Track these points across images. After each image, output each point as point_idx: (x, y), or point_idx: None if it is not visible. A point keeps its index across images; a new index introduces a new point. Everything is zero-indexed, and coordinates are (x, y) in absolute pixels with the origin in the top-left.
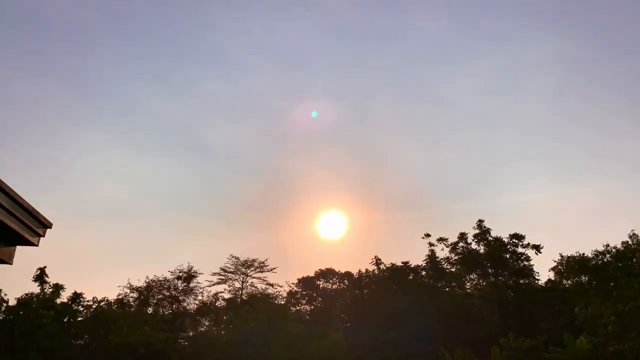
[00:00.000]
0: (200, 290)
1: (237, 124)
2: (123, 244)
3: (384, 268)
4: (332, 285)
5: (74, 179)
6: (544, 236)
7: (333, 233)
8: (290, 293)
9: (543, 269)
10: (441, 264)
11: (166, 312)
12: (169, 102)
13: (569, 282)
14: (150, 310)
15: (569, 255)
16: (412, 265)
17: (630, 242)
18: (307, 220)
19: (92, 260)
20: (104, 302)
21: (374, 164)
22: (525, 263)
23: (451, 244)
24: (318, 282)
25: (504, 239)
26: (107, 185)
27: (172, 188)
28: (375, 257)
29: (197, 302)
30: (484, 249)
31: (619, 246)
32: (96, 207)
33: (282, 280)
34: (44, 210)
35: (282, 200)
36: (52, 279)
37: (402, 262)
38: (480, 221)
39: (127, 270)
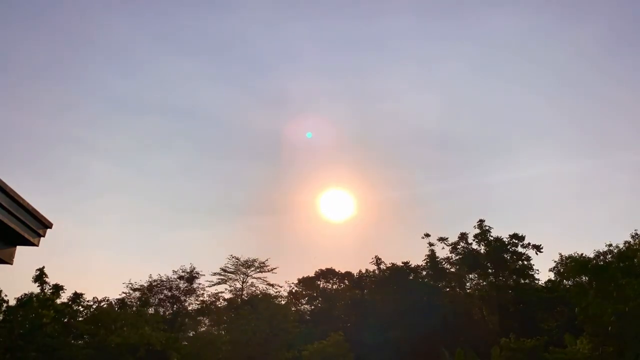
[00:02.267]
0: (202, 290)
1: (235, 87)
2: (117, 229)
3: (384, 268)
4: (332, 285)
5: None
6: (548, 214)
7: (339, 214)
8: (290, 293)
9: (543, 269)
10: (441, 264)
11: (167, 312)
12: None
13: (569, 282)
14: (151, 310)
15: (569, 255)
16: (413, 265)
17: (632, 242)
18: (310, 202)
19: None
20: (104, 302)
21: (379, 142)
22: (526, 263)
23: (451, 244)
24: (318, 282)
25: (504, 239)
26: (96, 161)
27: (168, 173)
28: (376, 257)
29: (198, 302)
30: (485, 249)
31: (621, 246)
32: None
33: (285, 271)
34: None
35: (285, 181)
36: (50, 273)
37: (403, 262)
38: (481, 221)
39: (124, 257)
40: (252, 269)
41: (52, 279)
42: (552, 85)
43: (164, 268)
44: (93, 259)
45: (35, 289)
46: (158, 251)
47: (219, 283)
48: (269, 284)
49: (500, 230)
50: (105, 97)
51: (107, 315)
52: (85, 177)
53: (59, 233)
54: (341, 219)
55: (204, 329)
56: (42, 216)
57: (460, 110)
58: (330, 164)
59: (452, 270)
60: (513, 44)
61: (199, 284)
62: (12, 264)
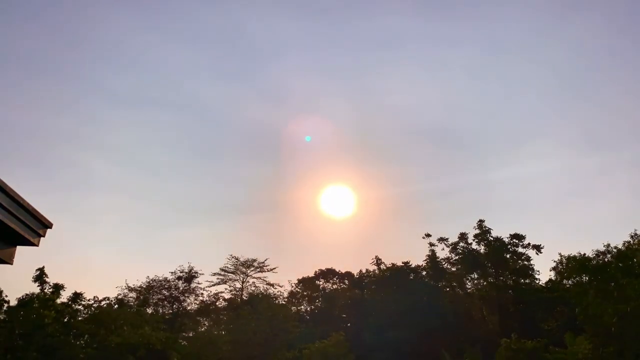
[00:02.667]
0: (201, 290)
1: (234, 84)
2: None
3: (385, 268)
4: (332, 285)
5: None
6: (547, 210)
7: (340, 211)
8: (291, 293)
9: (544, 269)
10: (442, 264)
11: (166, 312)
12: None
13: (570, 282)
14: (150, 310)
15: (569, 255)
16: (413, 265)
17: (631, 242)
18: (311, 199)
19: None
20: (104, 302)
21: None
22: (526, 263)
23: (452, 244)
24: (318, 282)
25: (504, 239)
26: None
27: (167, 170)
28: (376, 257)
29: (197, 302)
30: (485, 249)
31: (620, 246)
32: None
33: (285, 268)
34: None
35: (285, 178)
36: (49, 272)
37: (403, 262)
38: (481, 221)
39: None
40: (252, 268)
41: (51, 279)
42: (552, 83)
43: (165, 267)
44: (92, 258)
45: (35, 288)
46: (158, 250)
47: (218, 283)
48: (269, 284)
49: (502, 227)
50: (104, 93)
51: (107, 315)
52: (85, 176)
53: (59, 232)
54: (342, 216)
55: (204, 329)
56: (42, 216)
57: (461, 108)
58: (331, 161)
59: (452, 270)
60: (513, 43)
61: (198, 284)
62: (12, 264)
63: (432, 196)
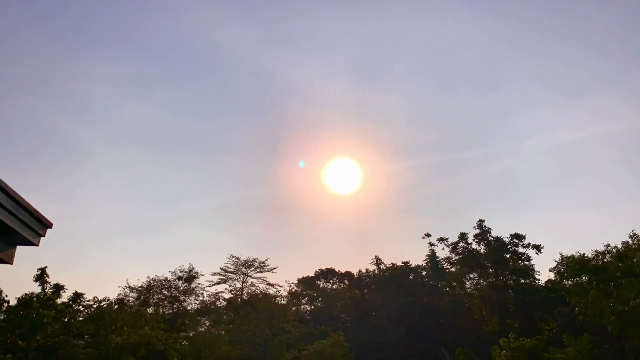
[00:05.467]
0: (202, 290)
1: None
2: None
3: (385, 268)
4: (332, 285)
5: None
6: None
7: (344, 186)
8: (291, 293)
9: (544, 269)
10: (442, 264)
11: (167, 312)
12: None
13: (570, 282)
14: (151, 310)
15: (569, 255)
16: (413, 266)
17: (630, 242)
18: (316, 171)
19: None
20: (104, 302)
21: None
22: (526, 263)
23: (452, 244)
24: (318, 283)
25: (504, 239)
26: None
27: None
28: (376, 257)
29: (197, 302)
30: (485, 249)
31: (619, 246)
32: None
33: (287, 260)
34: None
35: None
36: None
37: (403, 262)
38: (481, 221)
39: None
40: (253, 269)
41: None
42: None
43: (166, 265)
44: (91, 257)
45: (36, 289)
46: (159, 248)
47: (219, 283)
48: (269, 284)
49: (507, 225)
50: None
51: (108, 316)
52: (82, 167)
53: (59, 230)
54: (346, 193)
55: (204, 329)
56: (42, 216)
57: (468, 88)
58: (337, 131)
59: (452, 270)
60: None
61: (199, 284)
62: (12, 264)
63: (449, 171)
